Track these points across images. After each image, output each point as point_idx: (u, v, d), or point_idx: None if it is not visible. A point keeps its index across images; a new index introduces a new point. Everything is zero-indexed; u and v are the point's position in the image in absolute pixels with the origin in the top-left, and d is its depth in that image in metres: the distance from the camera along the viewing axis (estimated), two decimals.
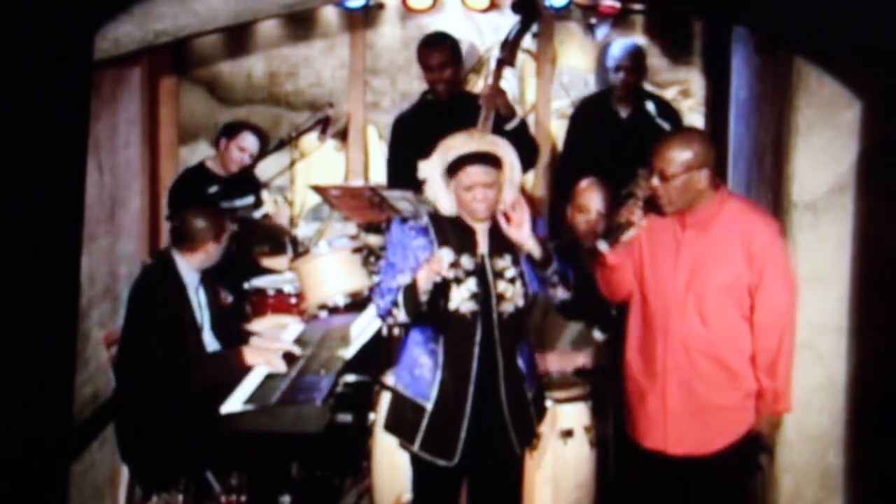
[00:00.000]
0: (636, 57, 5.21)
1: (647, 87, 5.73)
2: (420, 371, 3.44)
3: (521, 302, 3.43)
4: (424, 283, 3.30)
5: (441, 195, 3.39)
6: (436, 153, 3.40)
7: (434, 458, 3.43)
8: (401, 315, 3.36)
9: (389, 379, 4.01)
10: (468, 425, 3.41)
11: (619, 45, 5.27)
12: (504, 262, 3.42)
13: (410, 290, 3.32)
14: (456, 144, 3.36)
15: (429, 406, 3.42)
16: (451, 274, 3.33)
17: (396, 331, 3.44)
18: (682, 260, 3.46)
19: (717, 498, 3.61)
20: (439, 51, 5.00)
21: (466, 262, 3.39)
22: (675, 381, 3.47)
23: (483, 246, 3.43)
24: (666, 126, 5.06)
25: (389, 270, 3.43)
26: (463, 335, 3.40)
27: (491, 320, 3.40)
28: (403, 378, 3.50)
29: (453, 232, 3.42)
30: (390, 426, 3.57)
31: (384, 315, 3.41)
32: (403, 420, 3.48)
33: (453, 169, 3.34)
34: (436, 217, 3.45)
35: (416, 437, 3.43)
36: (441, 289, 3.35)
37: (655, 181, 3.41)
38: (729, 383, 3.48)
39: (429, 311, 3.36)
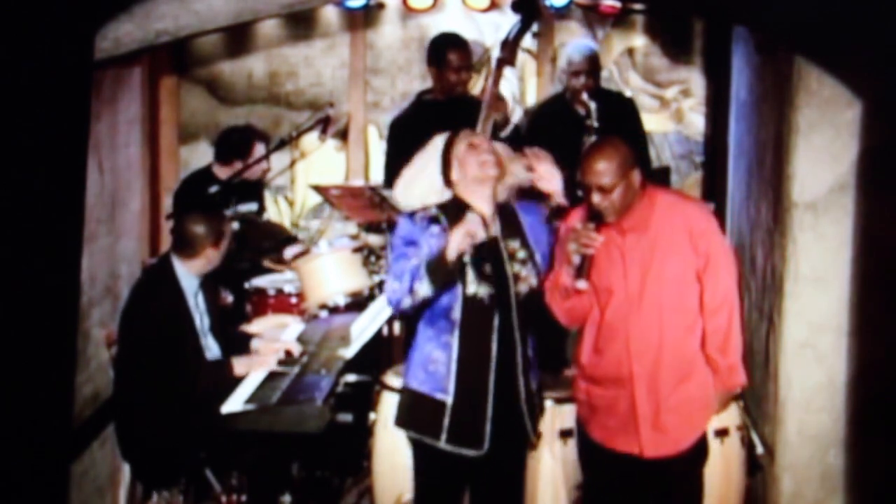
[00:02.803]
0: (593, 60, 5.19)
1: (645, 86, 5.74)
2: (434, 366, 3.45)
3: (534, 281, 3.47)
4: (454, 251, 3.32)
5: (426, 183, 3.48)
6: (429, 148, 3.53)
7: (463, 450, 3.43)
8: (423, 288, 3.34)
9: (396, 381, 4.01)
10: (493, 412, 3.42)
11: (577, 50, 5.19)
12: (515, 244, 3.48)
13: (437, 261, 3.34)
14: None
15: (448, 399, 3.42)
16: (483, 235, 3.35)
17: (409, 306, 3.40)
18: (630, 265, 3.46)
19: (677, 487, 3.63)
20: (463, 52, 4.95)
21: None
22: (643, 385, 3.48)
23: (493, 229, 3.47)
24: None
25: (402, 258, 3.44)
26: (481, 321, 3.42)
27: (508, 302, 3.43)
28: (417, 376, 3.49)
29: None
30: (406, 424, 3.56)
31: (403, 295, 3.38)
32: (422, 418, 3.48)
33: (450, 146, 3.47)
34: (444, 206, 3.49)
35: (441, 433, 3.43)
36: (460, 271, 3.39)
37: (596, 198, 3.38)
38: (690, 376, 3.51)
39: (452, 283, 3.37)
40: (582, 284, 3.37)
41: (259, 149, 5.39)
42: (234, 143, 5.42)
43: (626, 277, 3.46)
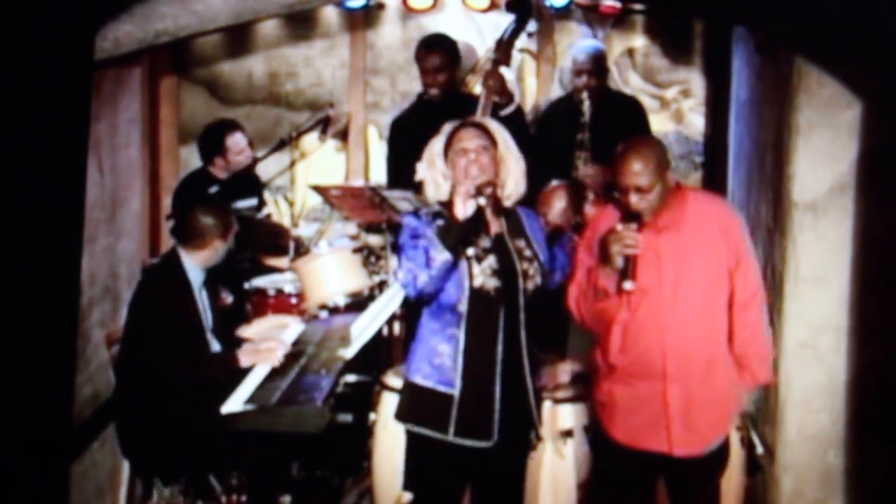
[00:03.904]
0: (598, 60, 5.20)
1: (645, 86, 5.74)
2: (440, 359, 3.44)
3: (539, 280, 3.50)
4: (461, 211, 3.34)
5: (438, 175, 3.48)
6: (435, 139, 3.53)
7: (472, 443, 3.43)
8: (440, 254, 3.33)
9: (396, 381, 4.00)
10: (500, 404, 3.43)
11: (582, 49, 5.23)
12: (521, 244, 3.51)
13: (447, 224, 3.36)
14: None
15: (455, 393, 3.42)
16: (484, 201, 3.37)
17: (426, 283, 3.38)
18: (666, 264, 3.44)
19: (698, 488, 3.62)
20: (436, 54, 5.03)
21: (483, 240, 3.45)
22: (676, 383, 3.46)
23: (495, 226, 3.50)
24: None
25: (413, 248, 3.41)
26: (487, 314, 3.42)
27: (516, 297, 3.44)
28: (422, 369, 3.48)
29: None
30: (409, 418, 3.54)
31: (420, 268, 3.36)
32: (428, 411, 3.46)
33: (448, 143, 3.47)
34: (445, 204, 3.50)
35: (449, 426, 3.41)
36: (466, 264, 3.41)
37: (634, 199, 3.37)
38: (718, 374, 3.50)
39: (466, 244, 3.39)
40: (629, 285, 3.34)
41: (236, 138, 5.39)
42: (206, 142, 5.44)
43: (661, 276, 3.43)
